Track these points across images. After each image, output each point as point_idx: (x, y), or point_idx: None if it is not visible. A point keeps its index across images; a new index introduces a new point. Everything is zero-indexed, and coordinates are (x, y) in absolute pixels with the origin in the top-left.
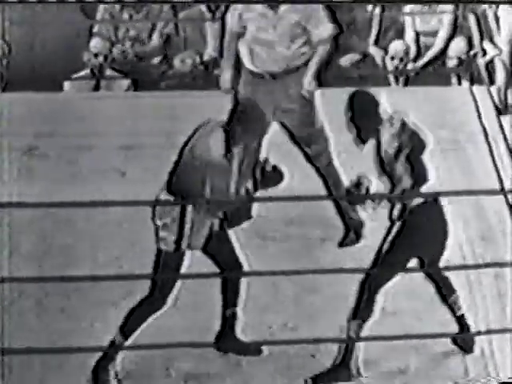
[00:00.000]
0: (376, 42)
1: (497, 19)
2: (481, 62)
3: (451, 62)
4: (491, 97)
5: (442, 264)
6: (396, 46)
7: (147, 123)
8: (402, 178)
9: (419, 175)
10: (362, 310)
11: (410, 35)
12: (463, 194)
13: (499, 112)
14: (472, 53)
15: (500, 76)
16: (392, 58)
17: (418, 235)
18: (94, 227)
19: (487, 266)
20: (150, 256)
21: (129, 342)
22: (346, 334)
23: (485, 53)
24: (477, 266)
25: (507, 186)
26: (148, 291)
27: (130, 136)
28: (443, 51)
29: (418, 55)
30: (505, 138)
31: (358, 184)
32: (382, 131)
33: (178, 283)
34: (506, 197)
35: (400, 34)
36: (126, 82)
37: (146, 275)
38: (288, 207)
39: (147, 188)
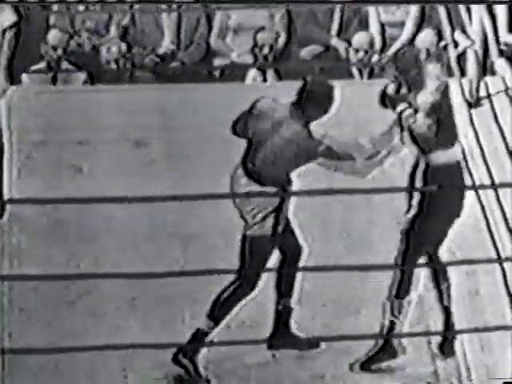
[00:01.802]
0: (339, 34)
1: (468, 10)
2: (452, 53)
3: (421, 54)
4: (462, 89)
5: None
6: (360, 38)
7: (104, 118)
8: None
9: None
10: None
11: (374, 26)
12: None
13: (470, 105)
14: (442, 44)
15: (472, 68)
16: (356, 51)
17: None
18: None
19: (460, 263)
20: (106, 254)
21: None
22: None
23: (456, 44)
24: (449, 263)
25: (479, 180)
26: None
27: (86, 130)
28: (410, 43)
29: (384, 47)
30: (475, 132)
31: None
32: None
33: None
34: (476, 192)
35: (364, 26)
36: (82, 76)
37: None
38: None
39: (104, 184)
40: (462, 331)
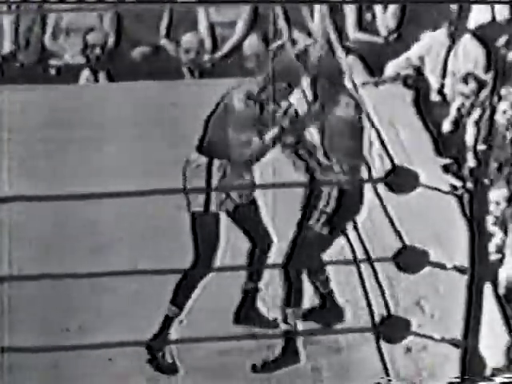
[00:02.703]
0: (168, 35)
1: (311, 10)
2: (291, 51)
3: (250, 63)
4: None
5: None
6: (189, 38)
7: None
8: None
9: None
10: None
11: (203, 26)
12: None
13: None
14: (276, 45)
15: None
16: (187, 51)
17: None
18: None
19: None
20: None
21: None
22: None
23: (294, 42)
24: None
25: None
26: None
27: None
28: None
29: (215, 47)
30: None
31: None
32: None
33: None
34: (375, 188)
35: (194, 26)
36: None
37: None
38: None
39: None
40: None
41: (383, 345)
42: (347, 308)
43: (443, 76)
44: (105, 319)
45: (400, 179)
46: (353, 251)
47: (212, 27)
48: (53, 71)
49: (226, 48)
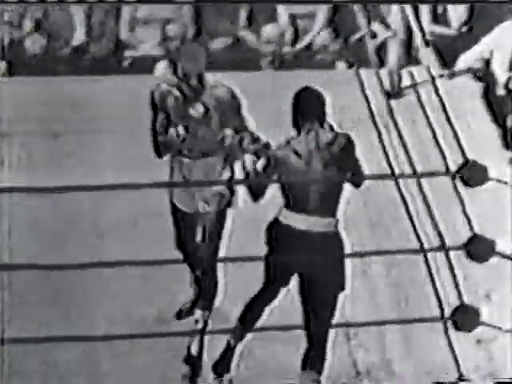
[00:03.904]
0: (248, 26)
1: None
2: (370, 44)
3: (332, 47)
4: (380, 80)
5: None
6: (269, 30)
7: (22, 109)
8: None
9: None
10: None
11: (283, 18)
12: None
13: (389, 95)
14: (357, 37)
15: (392, 58)
16: (267, 42)
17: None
18: None
19: (378, 253)
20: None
21: None
22: None
23: (374, 35)
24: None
25: (400, 169)
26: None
27: (6, 122)
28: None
29: (296, 39)
30: (395, 123)
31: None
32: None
33: None
34: (396, 182)
35: (273, 17)
36: (1, 66)
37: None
38: None
39: (24, 176)
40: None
41: (453, 335)
42: (415, 298)
43: (510, 69)
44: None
45: (471, 173)
46: (419, 240)
47: (293, 19)
48: (127, 63)
49: (306, 40)
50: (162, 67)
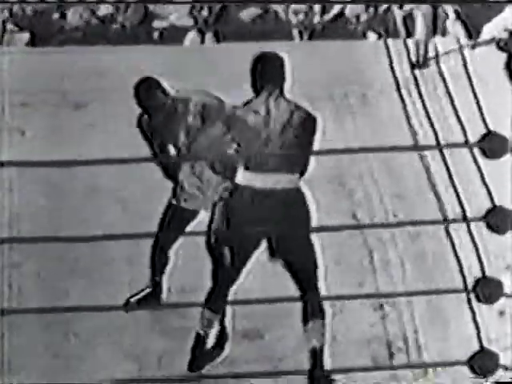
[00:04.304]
0: None
1: None
2: (398, 14)
3: (353, 25)
4: (407, 50)
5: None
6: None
7: (44, 80)
8: None
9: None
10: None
11: None
12: (373, 151)
13: (414, 66)
14: (384, 7)
15: (420, 28)
16: (296, 13)
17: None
18: None
19: (400, 224)
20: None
21: None
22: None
23: (401, 5)
24: (390, 225)
25: (424, 140)
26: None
27: (28, 93)
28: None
29: (325, 9)
30: (419, 93)
31: None
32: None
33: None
34: (420, 153)
35: None
36: (25, 36)
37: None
38: None
39: (47, 147)
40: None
41: (476, 307)
42: (439, 270)
43: None
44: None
45: (492, 144)
46: (442, 212)
47: None
48: (156, 33)
49: (334, 10)
50: (191, 37)
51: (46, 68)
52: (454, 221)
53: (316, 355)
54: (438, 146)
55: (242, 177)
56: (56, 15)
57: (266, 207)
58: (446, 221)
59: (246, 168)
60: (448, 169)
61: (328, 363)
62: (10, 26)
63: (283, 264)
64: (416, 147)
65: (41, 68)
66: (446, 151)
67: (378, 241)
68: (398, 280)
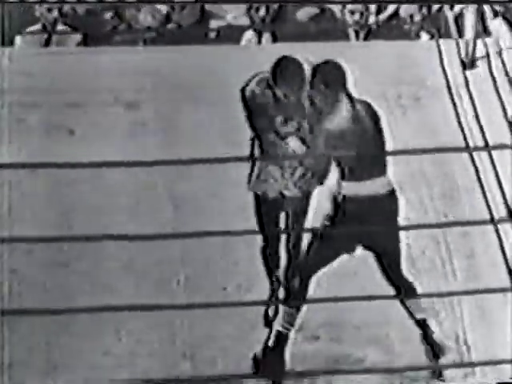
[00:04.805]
0: None
1: None
2: (449, 14)
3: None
4: (458, 50)
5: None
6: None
7: (95, 80)
8: None
9: None
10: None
11: None
12: (424, 152)
13: (465, 66)
14: (436, 7)
15: (468, 28)
16: (352, 12)
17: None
18: None
19: (450, 224)
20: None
21: None
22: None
23: (452, 5)
24: (440, 225)
25: (472, 142)
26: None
27: (78, 93)
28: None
29: (380, 9)
30: (469, 93)
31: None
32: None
33: None
34: (470, 154)
35: None
36: (77, 37)
37: None
38: None
39: (96, 146)
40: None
41: None
42: (487, 269)
43: None
44: None
45: None
46: (490, 211)
47: None
48: (213, 33)
49: (389, 10)
50: (247, 37)
51: (97, 67)
52: (502, 220)
53: (425, 325)
54: (487, 148)
55: (342, 187)
56: (108, 15)
57: (366, 213)
58: (493, 220)
59: (342, 177)
60: (495, 169)
61: None
62: (60, 27)
63: (373, 256)
64: (467, 148)
65: (91, 68)
66: (493, 152)
67: (431, 240)
68: (447, 279)
